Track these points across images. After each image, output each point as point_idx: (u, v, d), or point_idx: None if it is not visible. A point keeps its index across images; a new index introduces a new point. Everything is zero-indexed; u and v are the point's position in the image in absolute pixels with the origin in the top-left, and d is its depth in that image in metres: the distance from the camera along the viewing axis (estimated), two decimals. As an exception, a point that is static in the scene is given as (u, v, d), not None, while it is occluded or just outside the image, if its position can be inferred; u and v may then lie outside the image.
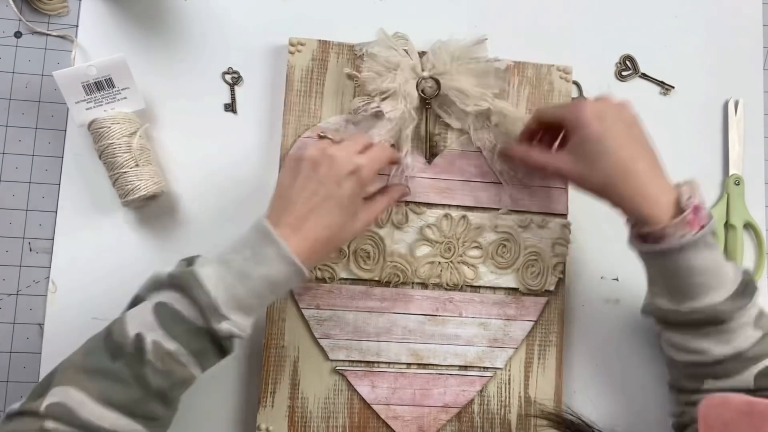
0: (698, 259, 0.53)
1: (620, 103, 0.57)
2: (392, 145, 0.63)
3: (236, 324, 0.50)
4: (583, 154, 0.55)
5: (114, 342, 0.48)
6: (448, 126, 0.65)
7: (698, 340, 0.55)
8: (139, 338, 0.47)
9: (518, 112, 0.65)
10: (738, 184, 0.71)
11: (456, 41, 0.64)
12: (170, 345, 0.48)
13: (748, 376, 0.53)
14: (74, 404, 0.45)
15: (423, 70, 0.64)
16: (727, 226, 0.71)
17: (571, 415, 0.60)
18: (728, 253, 0.71)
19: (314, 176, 0.53)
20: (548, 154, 0.60)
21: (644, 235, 0.55)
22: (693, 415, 0.55)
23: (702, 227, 0.53)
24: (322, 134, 0.57)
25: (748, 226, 0.71)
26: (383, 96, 0.62)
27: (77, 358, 0.48)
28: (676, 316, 0.56)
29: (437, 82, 0.63)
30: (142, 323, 0.48)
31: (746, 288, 0.54)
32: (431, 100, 0.64)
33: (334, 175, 0.52)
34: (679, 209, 0.53)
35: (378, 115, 0.62)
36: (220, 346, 0.50)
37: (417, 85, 0.63)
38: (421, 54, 0.64)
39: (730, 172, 0.71)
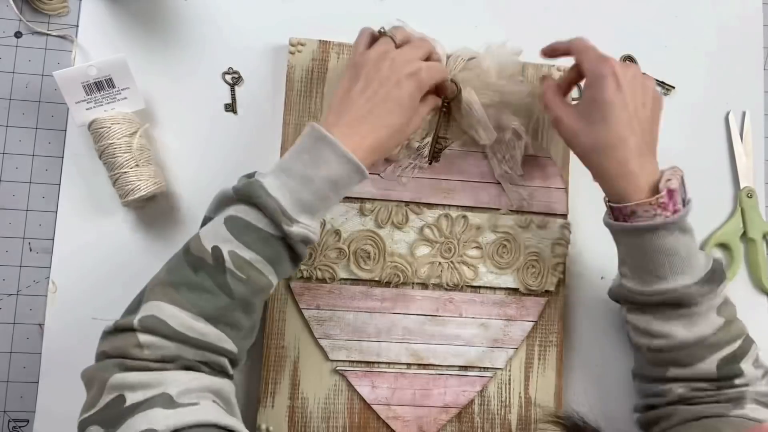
0: (669, 241, 0.53)
1: (645, 77, 0.57)
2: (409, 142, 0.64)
3: (306, 226, 0.51)
4: (587, 112, 0.56)
5: (193, 256, 0.49)
6: (451, 126, 0.65)
7: (663, 323, 0.56)
8: (216, 250, 0.49)
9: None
10: (751, 197, 0.71)
11: (491, 55, 0.63)
12: (246, 254, 0.49)
13: (710, 364, 0.55)
14: (165, 316, 0.47)
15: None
16: (746, 239, 0.71)
17: (579, 418, 0.60)
18: (750, 265, 0.71)
19: (375, 77, 0.54)
20: (560, 99, 0.59)
21: (617, 211, 0.56)
22: (658, 411, 0.57)
23: (676, 211, 0.53)
24: (381, 31, 0.57)
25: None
26: None
27: (162, 276, 0.50)
28: (643, 298, 0.56)
29: (458, 86, 0.62)
30: (217, 236, 0.50)
31: (714, 275, 0.55)
32: (450, 102, 0.63)
33: (395, 75, 0.53)
34: (656, 191, 0.54)
35: None
36: (292, 251, 0.51)
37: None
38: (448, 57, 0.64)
39: (741, 185, 0.71)
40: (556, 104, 0.59)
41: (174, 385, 0.45)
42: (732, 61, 0.74)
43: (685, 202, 0.55)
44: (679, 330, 0.55)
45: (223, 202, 0.52)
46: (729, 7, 0.74)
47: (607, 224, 0.58)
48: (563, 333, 0.66)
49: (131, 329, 0.47)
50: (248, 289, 0.49)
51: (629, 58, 0.72)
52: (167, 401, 0.44)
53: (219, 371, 0.50)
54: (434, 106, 0.60)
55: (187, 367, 0.48)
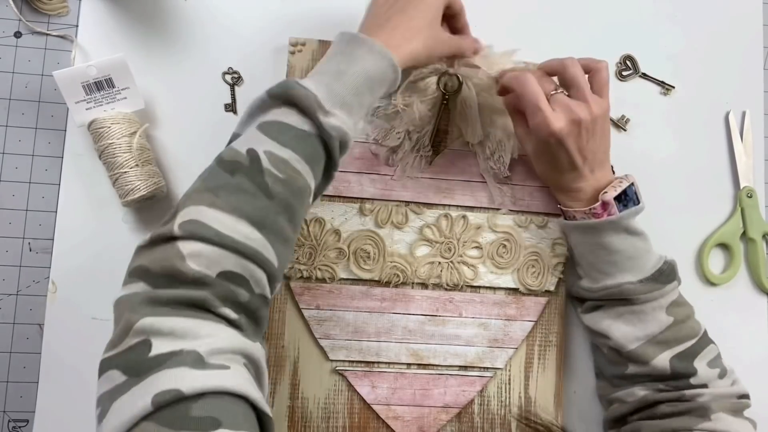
0: (614, 240, 0.58)
1: (584, 104, 0.57)
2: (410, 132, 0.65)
3: (342, 120, 0.50)
4: (538, 152, 0.60)
5: (228, 162, 0.47)
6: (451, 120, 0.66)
7: (612, 321, 0.60)
8: (252, 152, 0.47)
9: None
10: (751, 197, 0.70)
11: (491, 57, 0.64)
12: (283, 153, 0.47)
13: (663, 361, 0.57)
14: (207, 219, 0.44)
15: (447, 65, 0.63)
16: (746, 239, 0.71)
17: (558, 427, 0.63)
18: (750, 265, 0.71)
19: None
20: (523, 122, 0.60)
21: (565, 213, 0.62)
22: (625, 428, 0.59)
23: (610, 215, 0.58)
24: None
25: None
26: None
27: (196, 185, 0.47)
28: (592, 294, 0.61)
29: (459, 80, 0.63)
30: (250, 140, 0.48)
31: (661, 275, 0.59)
32: (450, 96, 0.63)
33: None
34: (596, 200, 0.59)
35: (392, 115, 0.64)
36: (328, 151, 0.50)
37: (438, 80, 0.63)
38: None
39: (741, 185, 0.71)
40: (517, 126, 0.62)
41: (205, 341, 0.41)
42: (732, 61, 0.74)
43: (632, 204, 0.59)
44: (628, 328, 0.59)
45: (254, 111, 0.50)
46: (729, 7, 0.74)
47: (560, 224, 0.64)
48: (563, 333, 0.66)
49: (172, 238, 0.43)
50: (287, 189, 0.47)
51: (629, 58, 0.72)
52: (196, 360, 0.40)
53: (257, 295, 0.46)
54: (469, 44, 0.61)
55: (225, 297, 0.44)
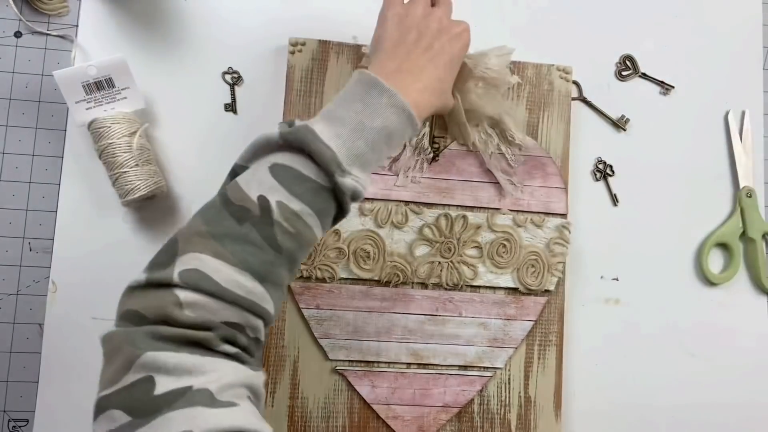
0: None
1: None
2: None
3: (357, 179, 0.47)
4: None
5: (236, 206, 0.44)
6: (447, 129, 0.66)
7: None
8: (263, 200, 0.44)
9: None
10: (750, 197, 0.71)
11: (480, 54, 0.64)
12: (295, 205, 0.45)
13: None
14: (209, 270, 0.42)
15: None
16: (746, 239, 0.71)
17: None
18: (750, 265, 0.71)
19: (426, 31, 0.54)
20: None
21: None
22: None
23: None
24: None
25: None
26: None
27: (199, 226, 0.44)
28: None
29: None
30: (262, 185, 0.45)
31: None
32: None
33: (446, 33, 0.55)
34: None
35: None
36: (340, 205, 0.48)
37: None
38: None
39: (741, 185, 0.71)
40: None
41: (215, 377, 0.40)
42: (732, 60, 0.74)
43: None
44: None
45: (263, 148, 0.48)
46: (729, 6, 0.74)
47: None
48: (563, 333, 0.66)
49: (169, 284, 0.41)
50: (295, 243, 0.45)
51: (629, 58, 0.72)
52: (208, 399, 0.38)
53: (252, 338, 0.46)
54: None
55: (226, 338, 0.43)
